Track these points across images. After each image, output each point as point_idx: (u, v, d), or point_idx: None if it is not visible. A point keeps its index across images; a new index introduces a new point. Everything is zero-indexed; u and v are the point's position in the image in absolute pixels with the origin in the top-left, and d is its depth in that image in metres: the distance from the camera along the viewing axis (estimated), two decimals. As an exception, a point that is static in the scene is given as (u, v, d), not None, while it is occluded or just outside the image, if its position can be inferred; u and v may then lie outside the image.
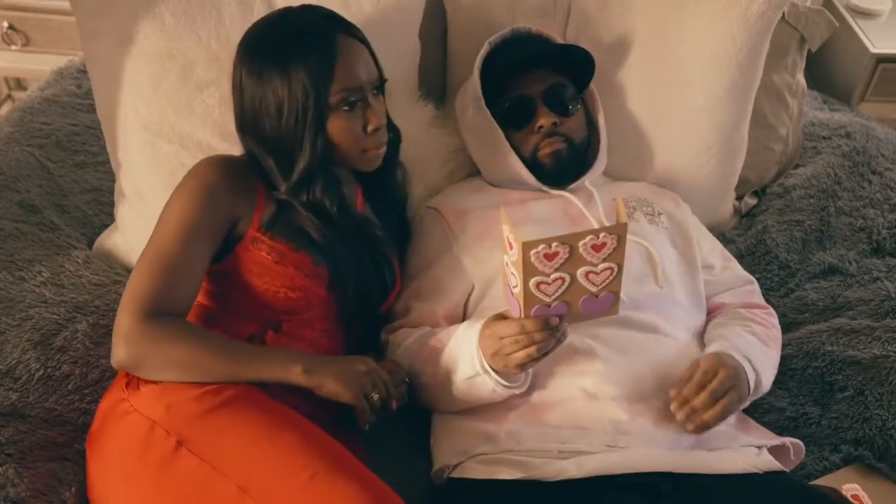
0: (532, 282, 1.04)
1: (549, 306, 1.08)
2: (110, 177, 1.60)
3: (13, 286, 1.38)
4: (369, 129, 1.21)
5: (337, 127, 1.19)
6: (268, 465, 1.01)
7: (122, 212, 1.54)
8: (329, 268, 1.22)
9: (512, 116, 1.42)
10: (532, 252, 1.01)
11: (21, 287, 1.38)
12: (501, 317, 1.14)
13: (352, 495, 0.98)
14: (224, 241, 1.20)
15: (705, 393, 1.15)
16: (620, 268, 1.06)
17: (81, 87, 1.90)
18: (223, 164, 1.22)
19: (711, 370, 1.18)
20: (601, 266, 1.05)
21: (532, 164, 1.42)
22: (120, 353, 1.10)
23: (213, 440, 1.04)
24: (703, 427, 1.16)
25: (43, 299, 1.36)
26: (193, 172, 1.20)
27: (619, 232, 1.03)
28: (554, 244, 1.01)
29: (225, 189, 1.18)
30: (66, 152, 1.74)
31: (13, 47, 2.36)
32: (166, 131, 1.43)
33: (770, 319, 1.41)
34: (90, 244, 1.58)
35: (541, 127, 1.39)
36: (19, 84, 2.59)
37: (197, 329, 1.16)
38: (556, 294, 1.06)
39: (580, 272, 1.05)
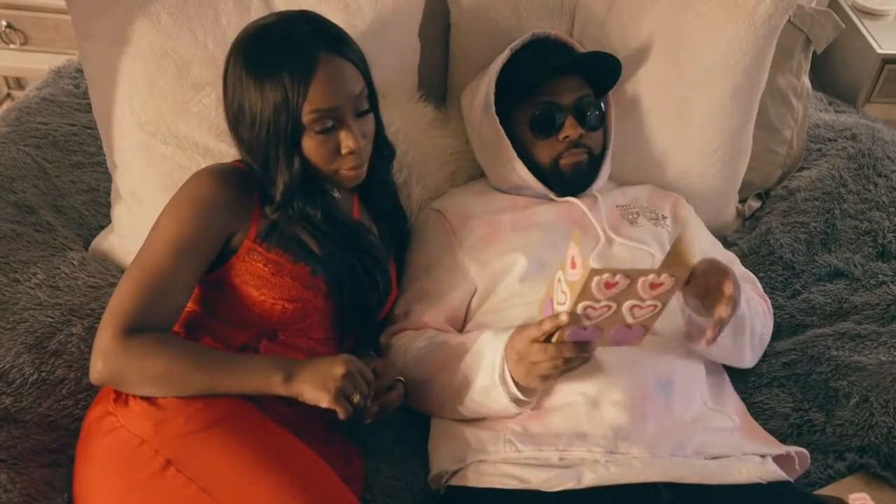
0: (581, 305, 1.04)
1: (585, 329, 1.08)
2: (107, 177, 1.58)
3: (7, 288, 1.36)
4: (343, 151, 1.17)
5: (309, 147, 1.16)
6: (257, 493, 0.99)
7: (119, 213, 1.53)
8: (327, 278, 1.20)
9: (540, 123, 1.40)
10: (596, 278, 1.01)
11: (15, 289, 1.36)
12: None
13: None
14: (219, 252, 1.17)
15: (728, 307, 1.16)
16: (664, 306, 1.08)
17: (79, 87, 1.88)
18: (220, 176, 1.18)
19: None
20: (648, 302, 1.06)
21: (551, 171, 1.41)
22: (97, 369, 1.08)
23: (202, 461, 1.02)
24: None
25: (38, 302, 1.35)
26: (189, 184, 1.17)
27: (679, 275, 1.05)
28: (618, 275, 1.02)
29: (221, 203, 1.15)
30: (63, 152, 1.71)
31: (11, 46, 2.34)
32: (162, 132, 1.42)
33: (767, 304, 1.44)
34: (86, 246, 1.56)
35: (567, 137, 1.39)
36: (19, 83, 2.57)
37: (176, 342, 1.13)
38: (597, 319, 1.07)
39: (627, 304, 1.06)
